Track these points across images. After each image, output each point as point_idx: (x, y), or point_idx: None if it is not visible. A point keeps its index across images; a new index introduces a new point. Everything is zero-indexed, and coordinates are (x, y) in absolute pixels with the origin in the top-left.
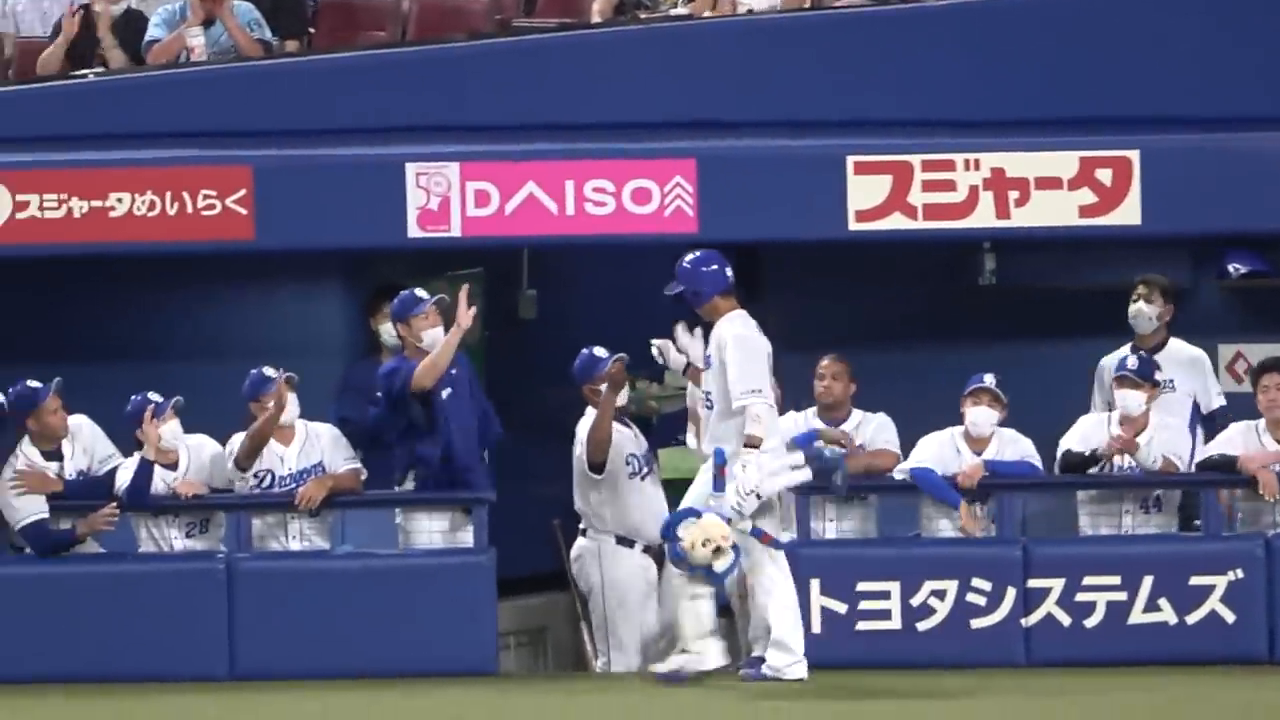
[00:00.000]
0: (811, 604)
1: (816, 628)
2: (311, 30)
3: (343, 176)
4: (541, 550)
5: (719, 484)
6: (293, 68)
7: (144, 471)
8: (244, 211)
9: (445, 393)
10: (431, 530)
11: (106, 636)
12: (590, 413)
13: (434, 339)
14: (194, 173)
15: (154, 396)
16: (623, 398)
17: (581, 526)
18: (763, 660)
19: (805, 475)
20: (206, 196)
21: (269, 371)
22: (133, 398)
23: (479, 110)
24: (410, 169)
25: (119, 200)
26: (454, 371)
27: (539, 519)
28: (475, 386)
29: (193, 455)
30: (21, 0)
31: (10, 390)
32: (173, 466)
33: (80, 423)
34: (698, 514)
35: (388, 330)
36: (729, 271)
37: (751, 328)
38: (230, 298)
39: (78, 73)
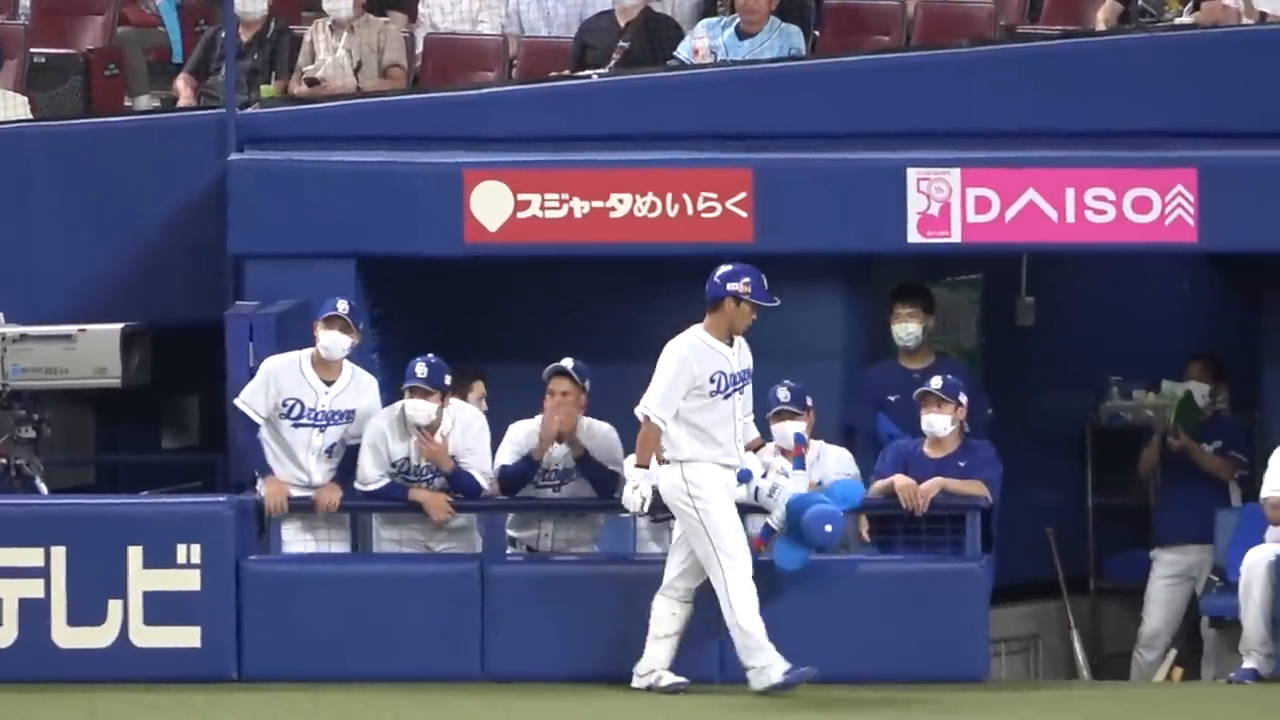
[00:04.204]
0: None
1: None
2: (817, 34)
3: (843, 180)
4: (1036, 557)
5: (800, 463)
6: (795, 71)
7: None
8: (744, 214)
9: None
10: None
11: (362, 636)
12: None
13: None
14: (695, 175)
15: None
16: None
17: None
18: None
19: None
20: (707, 199)
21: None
22: None
23: (981, 116)
24: (912, 174)
25: (620, 201)
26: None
27: (1034, 526)
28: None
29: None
30: (525, 0)
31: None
32: None
33: (599, 428)
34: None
35: (898, 332)
36: None
37: None
38: None
39: (581, 74)
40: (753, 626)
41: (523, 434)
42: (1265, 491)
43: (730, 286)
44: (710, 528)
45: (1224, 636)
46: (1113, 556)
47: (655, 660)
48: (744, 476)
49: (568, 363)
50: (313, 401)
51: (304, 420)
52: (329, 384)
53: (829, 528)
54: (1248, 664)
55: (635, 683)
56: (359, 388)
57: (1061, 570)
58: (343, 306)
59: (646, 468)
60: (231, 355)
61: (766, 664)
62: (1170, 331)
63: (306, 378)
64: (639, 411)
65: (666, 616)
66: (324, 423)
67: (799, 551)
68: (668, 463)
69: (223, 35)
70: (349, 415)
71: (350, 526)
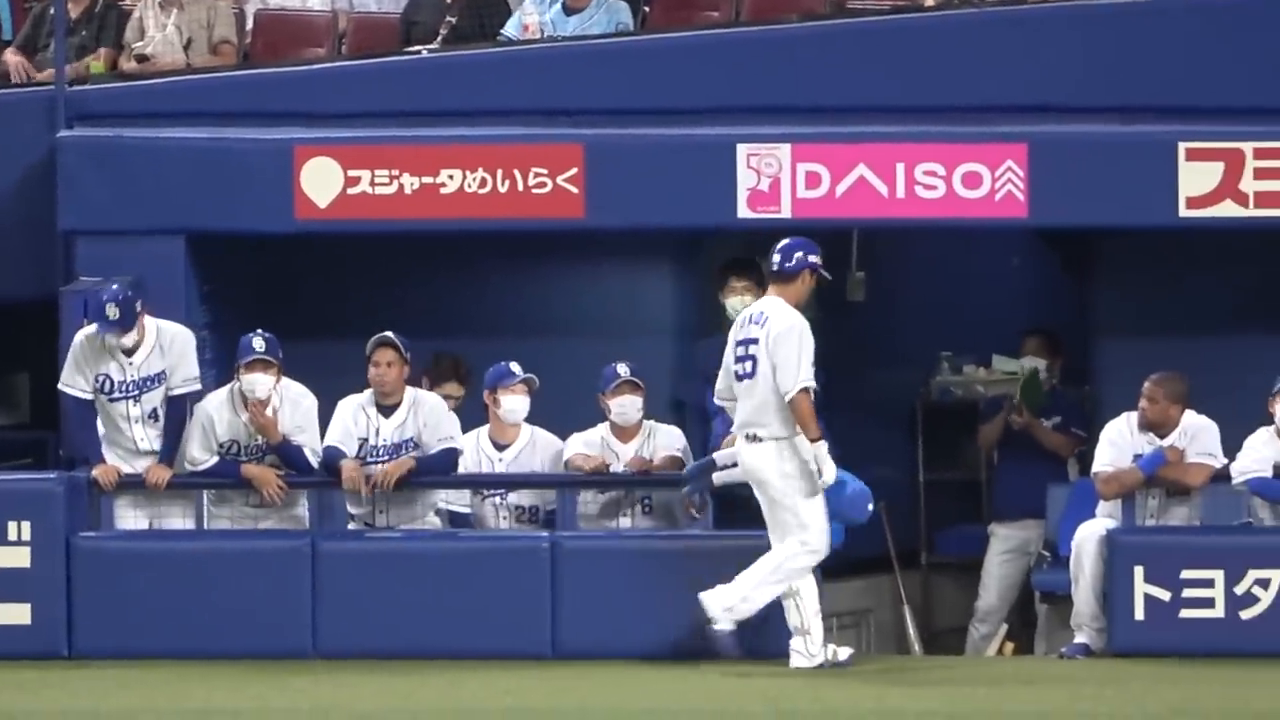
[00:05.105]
0: (1135, 591)
1: (1140, 614)
2: (646, 9)
3: (674, 156)
4: (868, 532)
5: None
6: (626, 46)
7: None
8: (575, 190)
9: None
10: None
11: (193, 613)
12: None
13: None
14: (526, 151)
15: (514, 367)
16: None
17: None
18: None
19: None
20: (537, 174)
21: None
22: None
23: (811, 92)
24: (741, 150)
25: (450, 177)
26: None
27: None
28: None
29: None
30: None
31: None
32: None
33: (427, 398)
34: None
35: (734, 305)
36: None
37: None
38: (559, 275)
39: (411, 49)
40: (762, 604)
41: (349, 410)
42: (1096, 466)
43: (811, 259)
44: (800, 506)
45: (1055, 611)
46: (944, 531)
47: (820, 635)
48: None
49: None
50: (120, 375)
51: (116, 394)
52: (130, 354)
53: (870, 505)
54: (1079, 639)
55: (807, 662)
56: (164, 345)
57: (893, 545)
58: (111, 311)
59: (821, 438)
60: (67, 331)
61: (733, 631)
62: (1001, 307)
63: (110, 352)
64: (794, 390)
65: (814, 592)
66: (136, 392)
67: (834, 526)
68: (758, 440)
69: (51, 11)
70: (159, 377)
71: (195, 504)
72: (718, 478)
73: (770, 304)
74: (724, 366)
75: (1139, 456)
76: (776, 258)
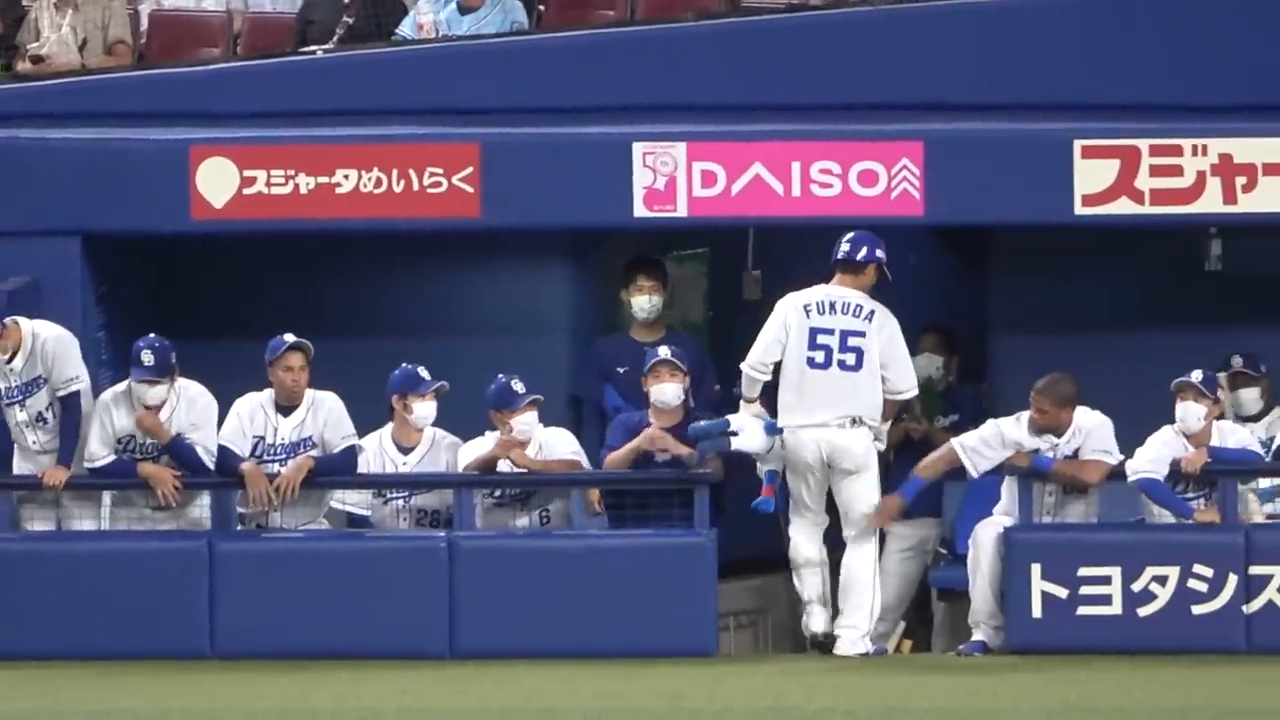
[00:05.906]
0: (1032, 588)
1: (1037, 612)
2: (541, 8)
3: (569, 155)
4: (765, 532)
5: None
6: (521, 45)
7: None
8: (470, 189)
9: None
10: None
11: (91, 614)
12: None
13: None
14: (421, 150)
15: (423, 373)
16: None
17: None
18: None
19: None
20: (433, 174)
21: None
22: (403, 367)
23: (707, 90)
24: (637, 148)
25: (345, 177)
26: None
27: None
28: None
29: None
30: None
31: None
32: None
33: (325, 398)
34: None
35: (640, 304)
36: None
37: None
38: (455, 275)
39: (306, 49)
40: (878, 599)
41: (247, 408)
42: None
43: (879, 254)
44: (878, 487)
45: (953, 609)
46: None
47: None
48: (770, 429)
49: (290, 338)
50: (4, 382)
51: (6, 399)
52: (8, 362)
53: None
54: (977, 636)
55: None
56: (38, 349)
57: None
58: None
59: None
60: None
61: (869, 631)
62: (898, 305)
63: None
64: (908, 392)
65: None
66: (20, 397)
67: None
68: (860, 424)
69: None
70: (41, 381)
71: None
72: (737, 443)
73: (857, 296)
74: (772, 340)
75: (1036, 452)
76: (846, 248)
